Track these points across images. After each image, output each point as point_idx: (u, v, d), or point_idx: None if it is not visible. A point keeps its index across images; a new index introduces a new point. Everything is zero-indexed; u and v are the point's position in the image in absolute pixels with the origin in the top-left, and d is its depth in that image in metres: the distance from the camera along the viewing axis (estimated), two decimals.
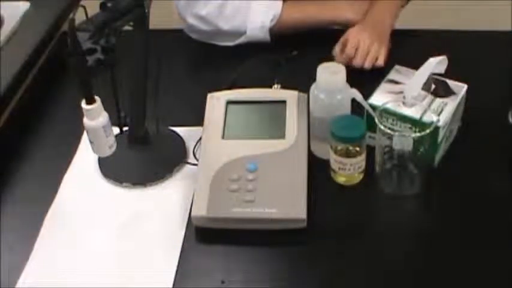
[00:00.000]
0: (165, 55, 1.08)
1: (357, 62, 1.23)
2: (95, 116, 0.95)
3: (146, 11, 1.00)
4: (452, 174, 1.05)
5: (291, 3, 1.35)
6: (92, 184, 1.09)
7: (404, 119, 1.02)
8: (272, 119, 1.10)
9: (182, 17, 1.38)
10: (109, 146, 0.99)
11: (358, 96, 1.02)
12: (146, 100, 1.08)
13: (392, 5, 1.35)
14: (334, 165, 1.04)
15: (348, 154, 1.02)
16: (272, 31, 1.34)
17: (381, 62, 1.23)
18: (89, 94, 0.94)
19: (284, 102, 1.11)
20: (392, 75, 1.13)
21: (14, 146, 1.16)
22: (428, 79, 1.05)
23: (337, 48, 1.26)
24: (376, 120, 0.98)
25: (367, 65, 1.23)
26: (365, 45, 1.23)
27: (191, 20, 1.36)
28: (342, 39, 1.27)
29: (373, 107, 1.03)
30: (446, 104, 1.04)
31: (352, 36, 1.25)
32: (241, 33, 1.34)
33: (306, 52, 1.32)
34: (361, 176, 1.05)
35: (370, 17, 1.31)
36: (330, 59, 1.08)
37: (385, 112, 1.02)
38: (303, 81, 1.09)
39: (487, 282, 0.91)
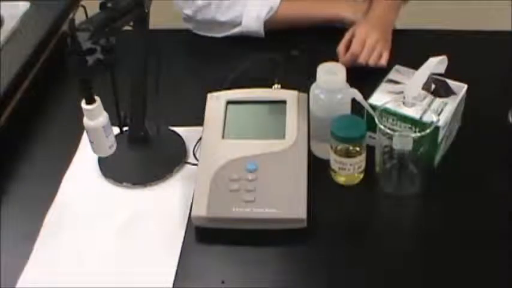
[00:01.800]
0: (165, 55, 1.08)
1: (361, 60, 1.23)
2: (95, 116, 0.95)
3: (146, 11, 1.00)
4: (452, 174, 1.05)
5: None
6: (92, 184, 1.09)
7: (404, 119, 1.02)
8: (272, 119, 1.10)
9: (179, 7, 1.39)
10: (109, 146, 0.99)
11: (358, 96, 1.02)
12: (146, 100, 1.08)
13: (394, 3, 1.35)
14: (334, 165, 1.04)
15: (348, 154, 1.02)
16: (268, 25, 1.35)
17: (383, 62, 1.24)
18: (89, 94, 0.94)
19: (284, 102, 1.11)
20: (392, 75, 1.13)
21: (14, 146, 1.16)
22: (428, 79, 1.05)
23: (341, 46, 1.26)
24: (376, 120, 0.98)
25: (372, 62, 1.23)
26: (371, 42, 1.24)
27: (188, 11, 1.37)
28: (347, 37, 1.27)
29: (373, 107, 1.03)
30: (446, 104, 1.04)
31: (359, 33, 1.25)
32: (237, 24, 1.36)
33: (306, 52, 1.32)
34: (361, 176, 1.05)
35: (373, 15, 1.31)
36: (330, 59, 1.07)
37: (385, 112, 1.02)
38: (303, 81, 1.09)
39: (487, 282, 0.91)
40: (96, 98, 0.95)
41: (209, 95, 1.14)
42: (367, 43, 1.24)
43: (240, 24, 1.36)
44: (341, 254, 0.96)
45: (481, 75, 1.17)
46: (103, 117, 0.96)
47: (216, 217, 0.98)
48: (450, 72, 1.08)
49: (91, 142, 0.99)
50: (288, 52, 1.32)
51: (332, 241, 0.98)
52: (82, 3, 1.01)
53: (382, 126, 0.98)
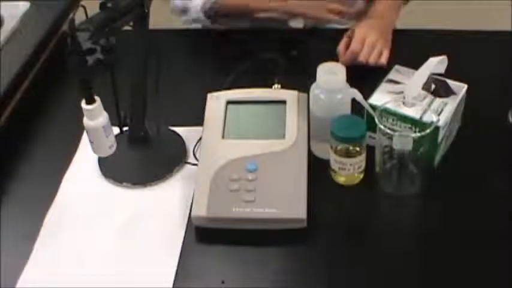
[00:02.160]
0: (165, 55, 1.08)
1: (362, 57, 1.23)
2: (95, 116, 0.95)
3: (146, 11, 1.00)
4: (452, 174, 1.05)
5: None
6: (92, 184, 1.09)
7: (404, 119, 1.02)
8: (272, 119, 1.10)
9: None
10: (109, 146, 0.99)
11: (358, 96, 1.02)
12: (146, 100, 1.08)
13: (394, 3, 1.35)
14: (334, 165, 1.04)
15: (348, 154, 1.02)
16: (211, 14, 1.38)
17: (383, 60, 1.24)
18: (89, 94, 0.94)
19: (284, 102, 1.11)
20: (392, 75, 1.13)
21: (14, 146, 1.16)
22: (428, 79, 1.05)
23: (341, 46, 1.26)
24: (376, 120, 0.98)
25: (372, 60, 1.23)
26: (371, 41, 1.24)
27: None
28: (346, 36, 1.27)
29: (373, 107, 1.03)
30: (446, 104, 1.04)
31: (359, 33, 1.25)
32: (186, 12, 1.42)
33: (306, 52, 1.32)
34: (361, 176, 1.05)
35: (374, 15, 1.32)
36: (330, 59, 1.07)
37: (385, 112, 1.02)
38: (303, 81, 1.09)
39: (487, 282, 0.91)
40: (96, 98, 0.95)
41: (209, 95, 1.14)
42: (367, 41, 1.24)
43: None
44: (341, 254, 0.96)
45: (481, 75, 1.17)
46: (103, 117, 0.96)
47: (216, 217, 0.98)
48: (450, 72, 1.08)
49: (91, 142, 0.99)
50: (288, 52, 1.32)
51: (332, 241, 0.98)
52: (82, 3, 1.01)
53: (382, 126, 0.98)
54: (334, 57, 1.24)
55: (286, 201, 0.98)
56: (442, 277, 0.92)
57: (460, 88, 1.08)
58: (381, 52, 1.24)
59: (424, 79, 1.05)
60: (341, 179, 1.05)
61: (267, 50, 1.32)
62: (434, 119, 1.00)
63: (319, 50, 1.28)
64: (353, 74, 1.06)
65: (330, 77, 1.03)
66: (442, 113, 1.03)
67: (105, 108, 0.97)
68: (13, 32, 1.34)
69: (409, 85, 1.06)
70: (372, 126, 1.01)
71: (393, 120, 1.02)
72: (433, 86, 1.07)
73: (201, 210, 0.98)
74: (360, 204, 1.03)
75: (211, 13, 1.38)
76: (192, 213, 0.99)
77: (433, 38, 1.35)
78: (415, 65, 1.08)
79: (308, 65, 1.07)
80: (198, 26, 1.49)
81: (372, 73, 1.19)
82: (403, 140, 0.97)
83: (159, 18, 1.19)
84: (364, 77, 1.14)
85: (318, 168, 1.05)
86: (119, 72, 1.00)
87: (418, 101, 1.03)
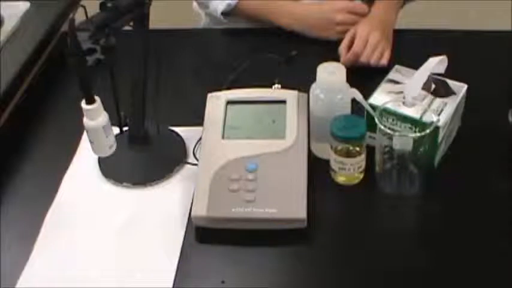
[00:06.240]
0: (165, 55, 1.08)
1: (363, 58, 1.23)
2: (95, 116, 0.95)
3: (146, 11, 1.00)
4: (452, 174, 1.05)
5: None
6: (92, 184, 1.09)
7: (404, 119, 1.02)
8: (272, 119, 1.10)
9: None
10: (109, 146, 0.99)
11: (358, 96, 1.02)
12: (146, 100, 1.08)
13: (395, 4, 1.35)
14: (334, 165, 1.04)
15: (348, 154, 1.02)
16: (230, 16, 1.40)
17: (384, 61, 1.24)
18: (89, 94, 0.94)
19: (284, 102, 1.11)
20: (392, 75, 1.13)
21: (14, 145, 1.16)
22: (428, 79, 1.05)
23: (343, 46, 1.26)
24: (376, 120, 0.98)
25: (373, 61, 1.23)
26: (373, 42, 1.24)
27: None
28: (348, 37, 1.27)
29: (373, 107, 1.03)
30: (446, 104, 1.04)
31: (361, 33, 1.25)
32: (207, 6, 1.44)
33: (306, 52, 1.32)
34: (361, 176, 1.05)
35: (376, 16, 1.32)
36: (330, 59, 1.07)
37: (385, 112, 1.02)
38: (303, 81, 1.09)
39: (487, 282, 0.91)
40: (96, 98, 0.95)
41: (209, 95, 1.14)
42: (369, 42, 1.24)
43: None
44: (341, 254, 0.96)
45: (481, 75, 1.17)
46: (103, 117, 0.96)
47: (216, 217, 0.98)
48: (450, 72, 1.08)
49: (91, 142, 0.99)
50: (288, 52, 1.32)
51: (332, 241, 0.98)
52: (82, 3, 1.01)
53: (382, 126, 0.98)
54: (334, 57, 1.23)
55: (286, 201, 0.98)
56: (442, 277, 0.92)
57: (460, 88, 1.08)
58: (382, 53, 1.24)
59: (424, 79, 1.05)
60: (341, 179, 1.05)
61: (267, 50, 1.32)
62: (434, 119, 1.00)
63: (320, 50, 1.28)
64: (353, 74, 1.06)
65: (330, 77, 1.03)
66: (442, 113, 1.03)
67: (105, 108, 0.97)
68: (13, 32, 1.34)
69: (409, 85, 1.06)
70: (372, 126, 1.01)
71: (393, 120, 1.02)
72: (433, 86, 1.07)
73: (201, 210, 0.98)
74: (360, 204, 1.03)
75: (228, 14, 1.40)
76: (192, 213, 0.99)
77: (433, 38, 1.35)
78: (415, 65, 1.08)
79: (308, 65, 1.07)
80: (199, 25, 1.49)
81: (372, 73, 1.19)
82: (403, 140, 0.97)
83: (159, 18, 1.19)
84: (364, 77, 1.14)
85: (318, 168, 1.05)
86: (119, 72, 1.00)
87: (418, 101, 1.03)
